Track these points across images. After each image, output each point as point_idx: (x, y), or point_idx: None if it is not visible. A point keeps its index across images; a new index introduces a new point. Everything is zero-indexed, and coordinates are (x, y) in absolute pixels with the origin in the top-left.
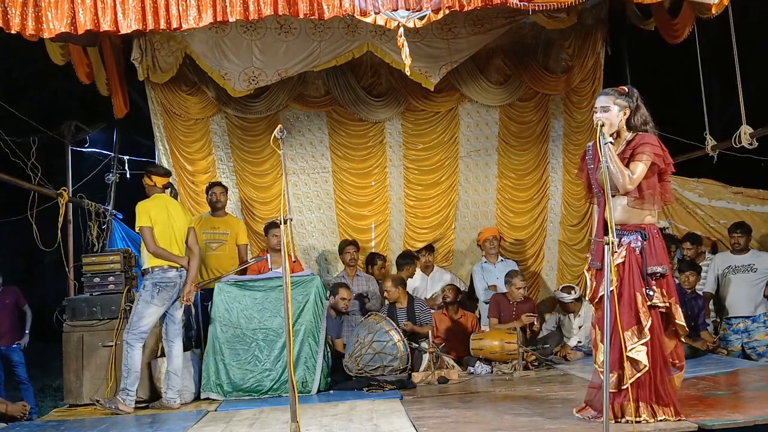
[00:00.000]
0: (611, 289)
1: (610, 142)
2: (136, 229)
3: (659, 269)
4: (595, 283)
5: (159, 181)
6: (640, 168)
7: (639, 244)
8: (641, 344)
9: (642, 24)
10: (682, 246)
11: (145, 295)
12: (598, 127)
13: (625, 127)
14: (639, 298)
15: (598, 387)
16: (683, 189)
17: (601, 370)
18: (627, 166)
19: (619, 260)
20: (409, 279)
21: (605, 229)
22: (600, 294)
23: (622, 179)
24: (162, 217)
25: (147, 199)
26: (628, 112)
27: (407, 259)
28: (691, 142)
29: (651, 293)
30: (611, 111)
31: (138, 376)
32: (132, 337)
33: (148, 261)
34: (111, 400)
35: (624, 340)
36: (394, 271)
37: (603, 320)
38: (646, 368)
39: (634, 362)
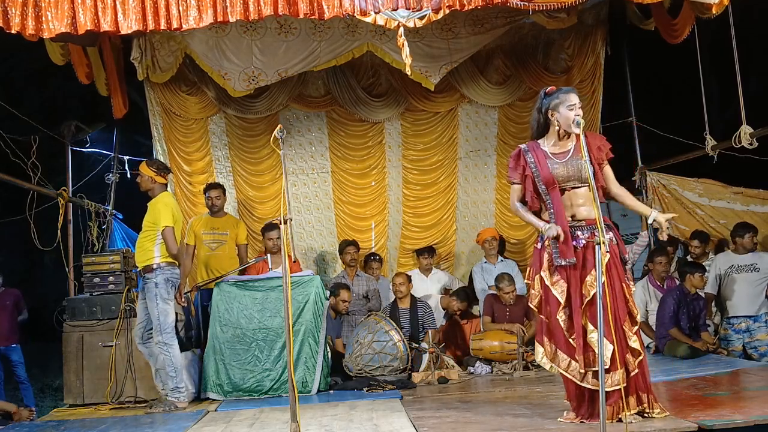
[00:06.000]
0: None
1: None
2: (160, 228)
3: (625, 257)
4: (563, 283)
5: (166, 179)
6: (609, 168)
7: (611, 234)
8: (633, 333)
9: (642, 24)
10: (690, 244)
11: (162, 293)
12: (580, 126)
13: None
14: (625, 288)
15: (575, 389)
16: (683, 189)
17: (570, 375)
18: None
19: (607, 257)
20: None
21: (571, 225)
22: (592, 294)
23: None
24: (178, 217)
25: (162, 196)
26: None
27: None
28: (691, 142)
29: (630, 282)
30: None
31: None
32: (168, 337)
33: (160, 257)
34: (166, 403)
35: (624, 332)
36: (390, 268)
37: (580, 325)
38: (642, 356)
39: (634, 352)
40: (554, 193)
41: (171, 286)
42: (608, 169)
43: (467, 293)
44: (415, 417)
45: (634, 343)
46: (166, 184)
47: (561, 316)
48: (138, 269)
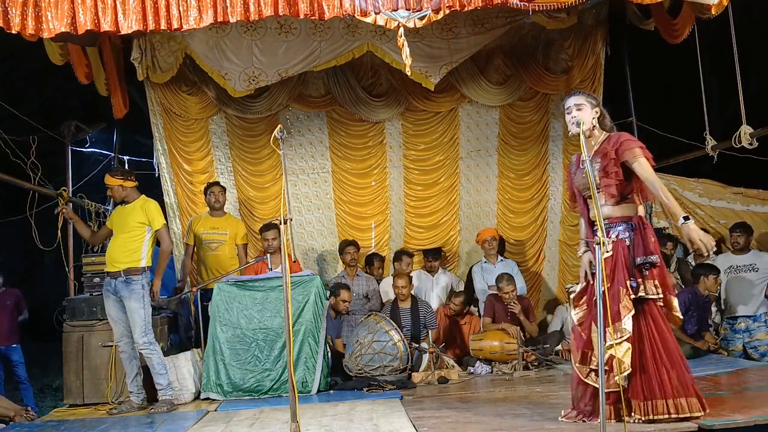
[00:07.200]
0: (597, 288)
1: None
2: (155, 228)
3: (651, 258)
4: (583, 283)
5: (135, 180)
6: (640, 165)
7: (627, 234)
8: (624, 340)
9: (642, 24)
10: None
11: (146, 296)
12: (580, 126)
13: (598, 125)
14: (622, 291)
15: (577, 384)
16: (683, 189)
17: (575, 368)
18: (612, 162)
19: (606, 255)
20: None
21: (593, 229)
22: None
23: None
24: None
25: (146, 198)
26: (599, 110)
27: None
28: (691, 142)
29: (635, 284)
30: (585, 109)
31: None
32: (152, 336)
33: (146, 259)
34: (162, 403)
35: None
36: (388, 270)
37: (590, 320)
38: (629, 370)
39: (619, 360)
40: (580, 198)
41: (149, 288)
42: (637, 166)
43: (469, 297)
44: (415, 417)
45: (614, 350)
46: (137, 186)
47: (577, 312)
48: (117, 270)
